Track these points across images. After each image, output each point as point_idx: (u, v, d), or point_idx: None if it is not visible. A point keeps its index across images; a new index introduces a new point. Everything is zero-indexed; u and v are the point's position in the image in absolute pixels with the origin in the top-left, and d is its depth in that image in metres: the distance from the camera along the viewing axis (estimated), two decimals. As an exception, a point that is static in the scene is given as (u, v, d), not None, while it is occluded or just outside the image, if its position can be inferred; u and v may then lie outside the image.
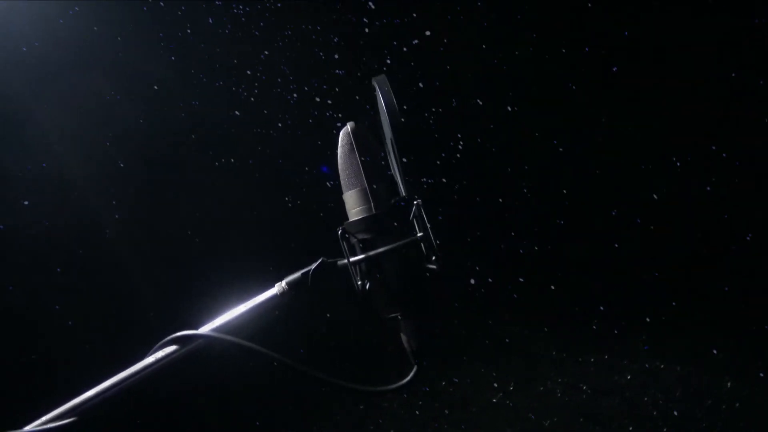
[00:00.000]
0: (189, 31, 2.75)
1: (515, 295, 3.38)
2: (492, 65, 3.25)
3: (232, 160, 2.90)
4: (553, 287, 3.40)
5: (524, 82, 3.32)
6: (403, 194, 1.12)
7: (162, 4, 2.69)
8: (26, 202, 2.67)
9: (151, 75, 2.73)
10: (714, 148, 3.18)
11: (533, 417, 2.96)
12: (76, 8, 2.52)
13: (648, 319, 3.29)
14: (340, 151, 1.16)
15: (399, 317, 1.13)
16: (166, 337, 1.16)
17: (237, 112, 2.81)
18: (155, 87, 2.72)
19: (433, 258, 1.06)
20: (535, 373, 3.19)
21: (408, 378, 1.13)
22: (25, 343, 2.72)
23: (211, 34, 2.80)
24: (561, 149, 3.38)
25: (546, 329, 3.45)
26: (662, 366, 3.07)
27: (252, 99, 2.85)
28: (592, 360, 3.19)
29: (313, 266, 1.11)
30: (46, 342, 2.76)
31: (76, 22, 2.59)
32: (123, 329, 2.72)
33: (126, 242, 2.83)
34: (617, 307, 3.40)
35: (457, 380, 3.18)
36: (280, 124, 2.81)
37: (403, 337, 1.14)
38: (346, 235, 1.11)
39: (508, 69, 3.26)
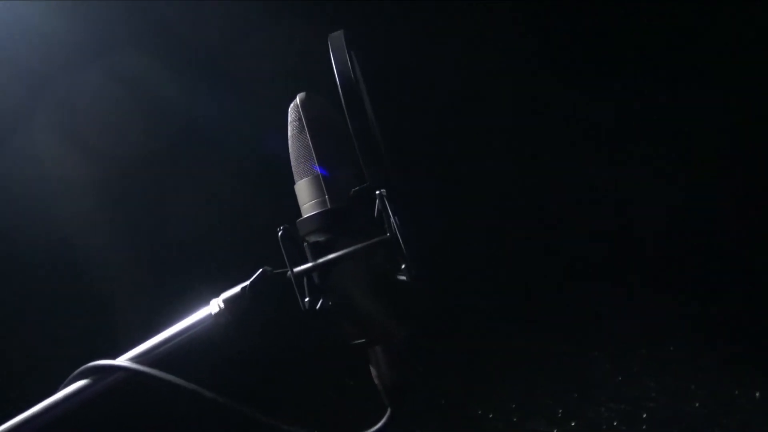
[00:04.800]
0: (186, 31, 2.71)
1: (561, 310, 3.15)
2: (494, 61, 3.12)
3: (228, 162, 2.83)
4: (605, 299, 3.14)
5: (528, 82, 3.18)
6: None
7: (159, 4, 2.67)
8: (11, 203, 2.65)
9: (145, 75, 2.68)
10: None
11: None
12: (75, 8, 2.52)
13: (720, 337, 2.94)
14: (289, 130, 0.92)
15: (364, 345, 0.87)
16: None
17: (233, 114, 2.75)
18: (150, 88, 2.69)
19: (402, 266, 0.79)
20: (587, 398, 2.88)
21: (378, 426, 0.86)
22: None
23: (209, 33, 2.75)
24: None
25: (599, 348, 3.12)
26: (737, 392, 2.71)
27: (250, 101, 2.77)
28: (653, 384, 2.86)
29: (252, 278, 0.87)
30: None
31: (74, 22, 2.57)
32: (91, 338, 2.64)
33: (101, 246, 2.78)
34: (682, 324, 3.07)
35: (497, 406, 2.91)
36: (274, 126, 2.73)
37: (373, 371, 0.88)
38: (295, 237, 0.87)
39: (510, 66, 3.13)
